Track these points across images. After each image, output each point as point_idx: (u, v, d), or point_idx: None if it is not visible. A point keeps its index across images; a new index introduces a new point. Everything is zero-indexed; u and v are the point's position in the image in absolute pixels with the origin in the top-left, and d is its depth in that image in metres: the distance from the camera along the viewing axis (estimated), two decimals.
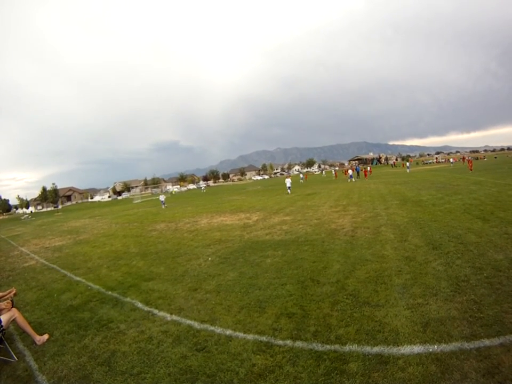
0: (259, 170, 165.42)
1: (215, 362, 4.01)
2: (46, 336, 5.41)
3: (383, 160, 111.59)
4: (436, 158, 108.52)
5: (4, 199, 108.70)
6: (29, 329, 5.31)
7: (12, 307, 5.47)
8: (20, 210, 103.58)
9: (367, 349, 3.85)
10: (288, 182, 30.64)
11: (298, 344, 4.16)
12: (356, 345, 3.95)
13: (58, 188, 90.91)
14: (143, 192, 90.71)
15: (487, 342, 3.66)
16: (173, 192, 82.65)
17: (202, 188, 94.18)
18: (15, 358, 4.89)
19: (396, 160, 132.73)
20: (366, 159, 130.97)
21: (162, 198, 36.85)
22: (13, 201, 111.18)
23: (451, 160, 62.50)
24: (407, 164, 56.64)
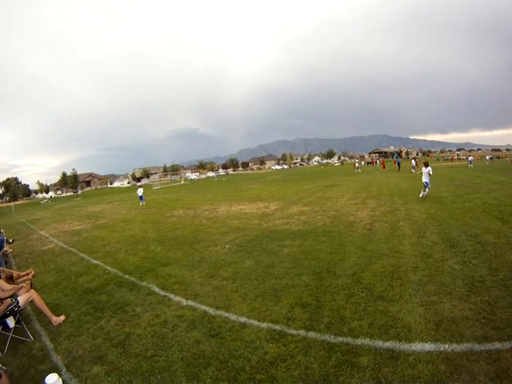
0: (279, 159, 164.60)
1: (228, 349, 4.09)
2: (62, 317, 5.55)
3: (404, 155, 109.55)
4: (458, 155, 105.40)
5: (24, 184, 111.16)
6: (46, 310, 5.46)
7: (30, 288, 5.64)
8: (39, 195, 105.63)
9: (379, 343, 3.87)
10: (426, 174, 15.49)
11: (311, 334, 4.20)
12: (368, 339, 3.97)
13: (78, 173, 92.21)
14: (162, 179, 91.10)
15: (498, 345, 3.63)
16: (183, 181, 76.07)
17: (215, 177, 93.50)
18: (31, 337, 5.05)
19: (417, 154, 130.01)
20: (386, 152, 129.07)
21: (140, 192, 26.95)
22: (33, 186, 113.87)
23: (470, 158, 49.77)
24: (470, 158, 49.15)
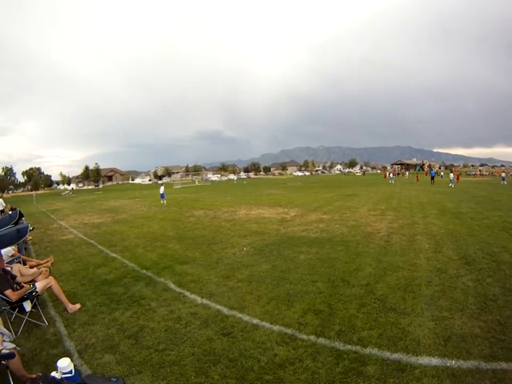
0: (300, 166, 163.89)
1: (239, 348, 4.19)
2: (78, 306, 5.72)
3: (426, 168, 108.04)
4: (480, 170, 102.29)
5: (46, 175, 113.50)
6: (62, 297, 5.65)
7: (49, 275, 5.86)
8: (61, 186, 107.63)
9: (387, 354, 3.90)
10: None
11: (321, 340, 4.26)
12: (377, 349, 4.01)
13: (100, 167, 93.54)
14: (183, 178, 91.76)
15: (504, 365, 3.60)
16: (197, 182, 77.78)
17: (235, 180, 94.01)
18: (46, 322, 5.24)
19: (439, 168, 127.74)
20: (408, 164, 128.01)
21: (162, 190, 26.93)
22: (55, 178, 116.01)
23: (503, 174, 44.09)
24: (503, 174, 43.51)
